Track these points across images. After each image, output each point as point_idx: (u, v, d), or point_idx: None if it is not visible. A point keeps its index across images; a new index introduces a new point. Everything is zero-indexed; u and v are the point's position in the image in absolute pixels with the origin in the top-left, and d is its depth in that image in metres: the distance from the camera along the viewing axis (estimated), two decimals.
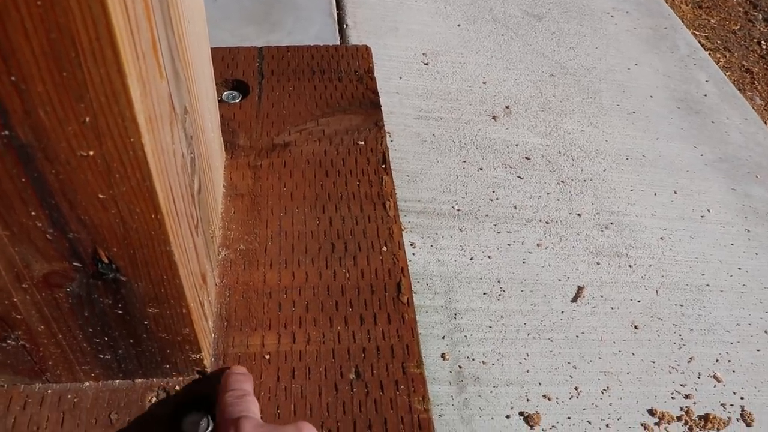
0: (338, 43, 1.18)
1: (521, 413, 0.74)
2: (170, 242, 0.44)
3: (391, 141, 1.01)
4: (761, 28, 1.89)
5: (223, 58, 0.90)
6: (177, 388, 0.57)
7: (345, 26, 1.23)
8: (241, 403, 0.52)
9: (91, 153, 0.37)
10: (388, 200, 0.72)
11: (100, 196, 0.40)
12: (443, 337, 0.78)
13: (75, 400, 0.56)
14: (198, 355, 0.55)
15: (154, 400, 0.57)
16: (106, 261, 0.45)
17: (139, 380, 0.57)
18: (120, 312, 0.49)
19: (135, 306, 0.49)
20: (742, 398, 0.81)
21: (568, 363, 0.79)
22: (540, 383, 0.77)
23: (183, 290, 0.48)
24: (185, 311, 0.50)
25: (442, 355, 0.77)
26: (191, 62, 0.54)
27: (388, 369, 0.59)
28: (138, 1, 0.35)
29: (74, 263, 0.44)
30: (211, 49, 0.92)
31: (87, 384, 0.57)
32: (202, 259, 0.56)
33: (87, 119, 0.35)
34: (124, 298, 0.48)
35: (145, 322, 0.50)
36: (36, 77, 0.33)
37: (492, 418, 0.73)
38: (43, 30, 0.31)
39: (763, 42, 1.85)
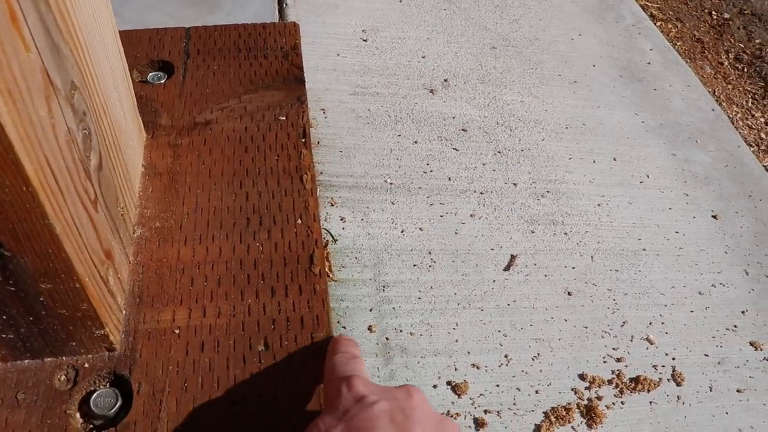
0: (276, 21, 1.17)
1: (449, 383, 0.74)
2: (48, 215, 0.44)
3: (326, 117, 1.01)
4: None
5: (149, 39, 0.90)
6: (86, 365, 0.57)
7: (284, 5, 1.22)
8: (351, 363, 0.55)
9: None
10: (306, 173, 0.72)
11: None
12: (371, 310, 0.78)
13: None
14: (102, 331, 0.55)
15: (63, 378, 0.57)
16: None
17: (48, 359, 0.57)
18: (12, 289, 0.49)
19: (27, 282, 0.48)
20: (674, 359, 0.81)
21: (499, 331, 0.80)
22: (469, 352, 0.77)
23: (72, 264, 0.48)
24: (79, 286, 0.50)
25: (369, 328, 0.77)
26: (81, 39, 0.54)
27: (296, 340, 0.59)
28: None
29: None
30: (138, 31, 0.91)
31: None
32: (105, 236, 0.56)
33: None
34: (14, 274, 0.48)
35: (41, 299, 0.50)
36: None
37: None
38: None
39: (714, 12, 1.85)
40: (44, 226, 0.44)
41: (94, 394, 0.56)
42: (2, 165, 0.40)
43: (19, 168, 0.40)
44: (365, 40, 1.18)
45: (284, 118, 0.78)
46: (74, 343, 0.56)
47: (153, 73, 0.86)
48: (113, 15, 0.67)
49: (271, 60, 0.86)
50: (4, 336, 0.53)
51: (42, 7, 0.45)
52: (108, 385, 0.57)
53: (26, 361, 0.57)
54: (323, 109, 1.02)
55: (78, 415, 0.55)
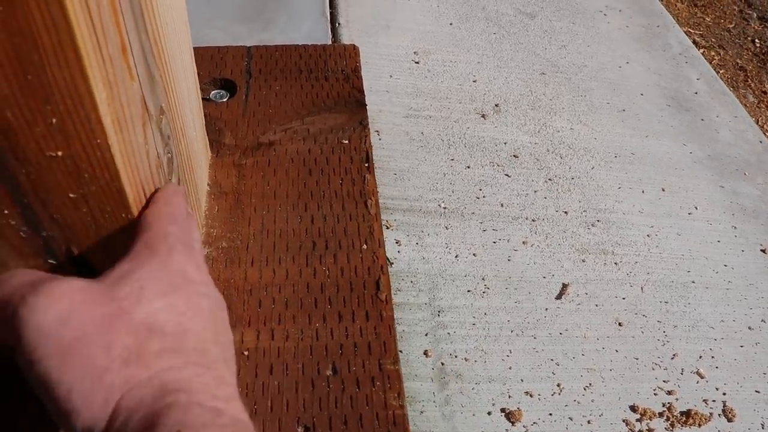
0: (330, 41, 1.19)
1: (503, 410, 0.75)
2: None
3: (380, 139, 1.02)
4: (755, 27, 1.89)
5: (212, 57, 0.91)
6: None
7: (337, 25, 1.23)
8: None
9: (60, 153, 0.38)
10: (370, 198, 0.73)
11: (71, 195, 0.40)
12: (426, 335, 0.79)
13: None
14: None
15: None
16: (81, 259, 0.45)
17: None
18: None
19: None
20: (724, 394, 0.81)
21: (551, 360, 0.80)
22: (522, 380, 0.78)
23: None
24: None
25: (425, 352, 0.77)
26: (169, 64, 0.55)
27: (364, 366, 0.60)
28: (105, 6, 0.36)
29: (49, 260, 0.45)
30: (200, 48, 0.93)
31: None
32: None
33: (54, 121, 0.36)
34: None
35: None
36: (2, 80, 0.33)
37: (473, 415, 0.74)
38: (5, 34, 0.32)
39: (756, 40, 1.85)
40: None
41: None
42: (107, 192, 0.41)
43: (122, 195, 0.42)
44: (417, 62, 1.19)
45: (347, 141, 0.79)
46: None
47: (215, 91, 0.87)
48: (190, 36, 0.68)
49: (332, 82, 0.88)
50: None
51: (143, 36, 0.46)
52: None
53: None
54: (377, 131, 1.03)
55: None
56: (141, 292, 0.38)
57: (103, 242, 0.45)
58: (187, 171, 0.62)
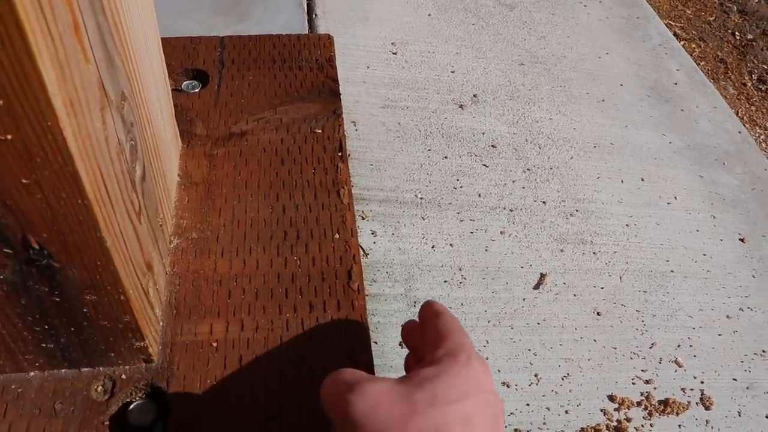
0: (306, 32, 1.17)
1: None
2: (101, 228, 0.44)
3: (356, 130, 1.01)
4: (735, 19, 1.90)
5: (184, 47, 0.90)
6: (123, 376, 0.57)
7: (314, 16, 1.22)
8: None
9: (9, 137, 0.36)
10: (343, 188, 0.72)
11: (24, 180, 0.39)
12: (402, 326, 0.78)
13: (19, 390, 0.55)
14: (142, 343, 0.55)
15: (99, 389, 0.56)
16: (37, 247, 0.44)
17: (85, 369, 0.57)
18: (57, 299, 0.49)
19: (72, 293, 0.48)
20: (702, 382, 0.81)
21: (529, 350, 0.80)
22: (499, 370, 0.77)
23: (119, 277, 0.48)
24: (124, 298, 0.50)
25: (401, 344, 0.76)
26: (132, 49, 0.54)
27: (336, 356, 0.59)
28: None
29: (5, 249, 0.44)
30: (173, 39, 0.92)
31: (32, 374, 0.56)
32: (146, 247, 0.56)
33: (1, 102, 0.35)
34: (60, 285, 0.47)
35: (84, 310, 0.50)
36: None
37: None
38: None
39: (737, 33, 1.85)
40: (95, 238, 0.44)
41: (131, 406, 0.56)
42: (60, 177, 0.40)
43: (77, 180, 0.40)
44: (395, 53, 1.18)
45: (320, 131, 0.78)
46: (113, 354, 0.56)
47: (187, 81, 0.86)
48: (157, 24, 0.67)
49: (306, 72, 0.86)
50: (44, 345, 0.53)
51: (100, 17, 0.45)
52: (145, 397, 0.57)
53: (63, 370, 0.57)
54: (354, 122, 1.02)
55: (114, 426, 0.55)
56: (434, 398, 0.44)
57: (59, 230, 0.43)
58: (154, 160, 0.61)
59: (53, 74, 0.35)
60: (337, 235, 0.68)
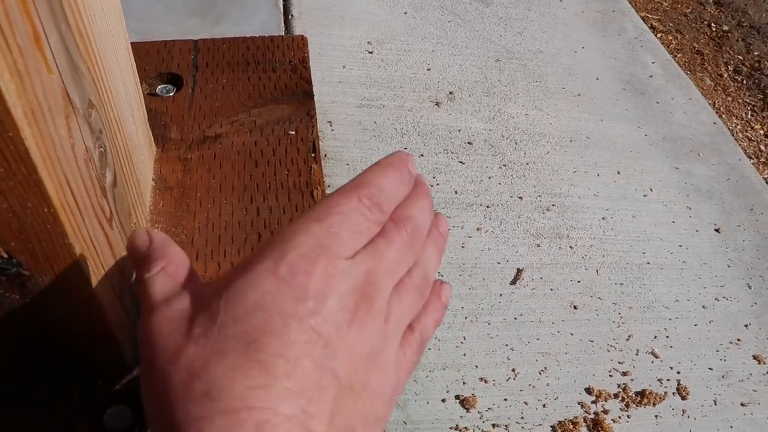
0: (283, 33, 1.18)
1: (457, 396, 0.74)
2: (68, 236, 0.44)
3: (332, 130, 1.01)
4: (711, 11, 1.91)
5: (158, 51, 0.90)
6: (99, 381, 0.57)
7: (290, 17, 1.22)
8: None
9: None
10: (316, 189, 0.72)
11: None
12: None
13: None
14: (116, 349, 0.55)
15: (75, 394, 0.57)
16: (6, 255, 0.44)
17: (61, 375, 0.57)
18: (29, 307, 0.49)
19: (43, 300, 0.49)
20: (678, 372, 0.82)
21: (506, 345, 0.80)
22: (477, 366, 0.78)
23: (90, 283, 0.48)
24: (97, 304, 0.50)
25: None
26: (99, 56, 0.54)
27: None
28: None
29: None
30: (147, 43, 0.92)
31: (7, 382, 0.57)
32: (119, 253, 0.56)
33: None
34: (31, 292, 0.48)
35: (57, 316, 0.50)
36: None
37: (427, 403, 0.73)
38: None
39: (713, 24, 1.86)
40: (64, 246, 0.45)
41: (108, 411, 0.56)
42: (25, 186, 0.40)
43: (42, 189, 0.41)
44: (371, 52, 1.19)
45: (294, 132, 0.78)
46: (88, 359, 0.56)
47: (162, 85, 0.86)
48: (126, 29, 0.67)
49: (280, 74, 0.87)
50: (18, 354, 0.54)
51: (62, 26, 0.45)
52: (121, 402, 0.57)
53: (39, 376, 0.57)
54: (330, 122, 1.02)
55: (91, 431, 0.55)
56: (214, 316, 0.36)
57: (27, 239, 0.44)
58: (126, 165, 0.61)
59: (12, 85, 0.36)
60: None
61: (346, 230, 0.37)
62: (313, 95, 0.83)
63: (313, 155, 0.76)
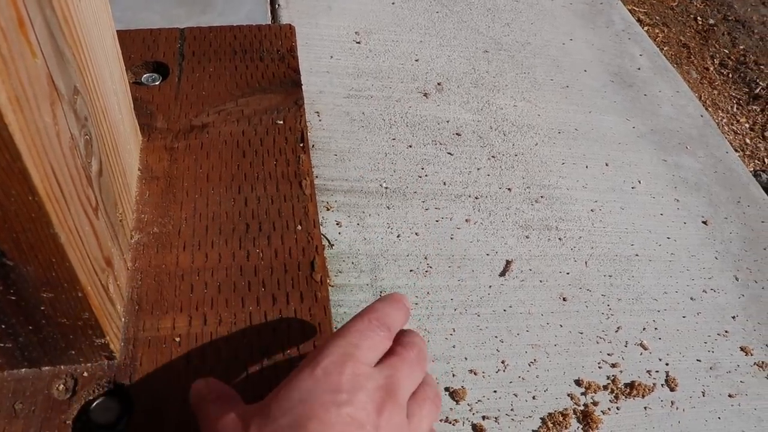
0: (270, 23, 1.17)
1: (447, 389, 0.74)
2: (54, 225, 0.43)
3: (320, 120, 1.00)
4: (697, 5, 1.91)
5: (144, 40, 0.89)
6: (85, 374, 0.56)
7: (277, 6, 1.21)
8: None
9: None
10: (305, 179, 0.71)
11: None
12: None
13: None
14: (103, 340, 0.54)
15: (61, 387, 0.56)
16: None
17: (46, 368, 0.56)
18: (13, 298, 0.48)
19: (28, 291, 0.48)
20: (667, 364, 0.82)
21: (495, 337, 0.80)
22: (466, 358, 0.77)
23: (76, 274, 0.47)
24: (82, 295, 0.49)
25: None
26: (85, 42, 0.53)
27: (299, 348, 0.59)
28: None
29: None
30: (133, 31, 0.90)
31: None
32: (105, 243, 0.55)
33: None
34: (15, 283, 0.47)
35: (42, 308, 0.49)
36: None
37: None
38: None
39: (699, 18, 1.87)
40: (49, 235, 0.44)
41: (94, 404, 0.55)
42: (9, 174, 0.39)
43: (26, 177, 0.40)
44: (358, 42, 1.18)
45: (282, 122, 0.78)
46: (73, 352, 0.55)
47: (147, 74, 0.85)
48: (112, 16, 0.66)
49: (267, 63, 0.86)
50: (2, 345, 0.53)
51: (47, 11, 0.44)
52: (108, 395, 0.56)
53: (23, 369, 0.56)
54: (317, 112, 1.01)
55: (77, 425, 0.54)
56: (266, 413, 0.46)
57: (11, 228, 0.43)
58: (111, 154, 0.60)
59: None
60: (299, 227, 0.67)
61: (365, 343, 0.48)
62: (301, 85, 0.83)
63: (301, 145, 0.75)
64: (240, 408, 0.48)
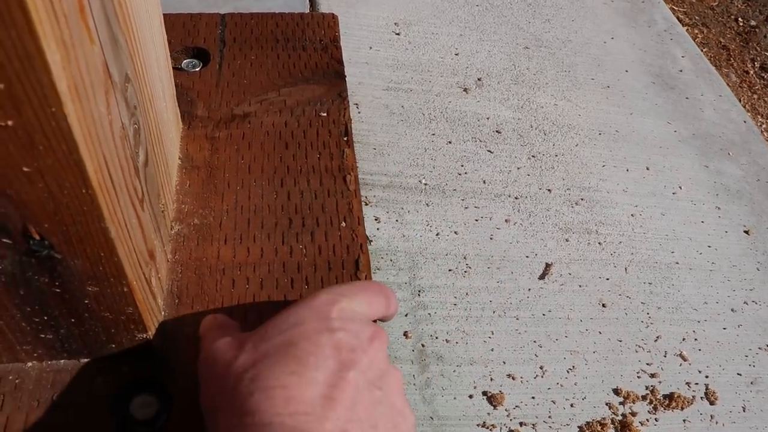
0: (307, 10, 1.15)
1: (485, 393, 0.73)
2: (105, 218, 0.42)
3: (359, 113, 0.99)
4: (738, 5, 1.87)
5: (184, 24, 0.87)
6: (125, 368, 0.55)
7: None
8: None
9: (10, 123, 0.34)
10: (349, 174, 0.70)
11: (25, 169, 0.37)
12: (406, 315, 0.77)
13: (17, 381, 0.53)
14: (145, 335, 0.53)
15: (100, 380, 0.55)
16: (38, 237, 0.42)
17: (85, 360, 0.55)
18: (58, 290, 0.47)
19: (73, 284, 0.46)
20: (707, 377, 0.80)
21: (534, 342, 0.78)
22: (504, 362, 0.76)
23: (123, 268, 0.46)
24: (127, 290, 0.48)
25: (405, 334, 0.75)
26: (135, 28, 0.51)
27: None
28: None
29: (3, 239, 0.42)
30: (173, 15, 0.89)
31: (30, 364, 0.54)
32: (149, 235, 0.54)
33: (2, 86, 0.32)
34: (61, 276, 0.45)
35: (86, 301, 0.48)
36: None
37: (454, 398, 0.71)
38: None
39: (740, 19, 1.83)
40: (99, 229, 0.42)
41: (134, 399, 0.54)
42: (64, 166, 0.38)
43: (81, 169, 0.38)
44: (398, 34, 1.16)
45: (325, 114, 0.76)
46: (114, 346, 0.54)
47: (187, 60, 0.83)
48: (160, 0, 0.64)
49: (310, 52, 0.84)
50: (43, 336, 0.51)
51: None
52: (147, 390, 0.55)
53: (62, 361, 0.55)
54: (356, 104, 1.00)
55: (117, 420, 0.53)
56: (263, 335, 0.48)
57: (61, 220, 0.41)
58: (156, 144, 0.59)
59: (58, 56, 0.33)
60: (343, 223, 0.66)
61: (359, 296, 0.51)
62: (345, 77, 0.81)
63: (345, 139, 0.73)
64: (238, 333, 0.51)
